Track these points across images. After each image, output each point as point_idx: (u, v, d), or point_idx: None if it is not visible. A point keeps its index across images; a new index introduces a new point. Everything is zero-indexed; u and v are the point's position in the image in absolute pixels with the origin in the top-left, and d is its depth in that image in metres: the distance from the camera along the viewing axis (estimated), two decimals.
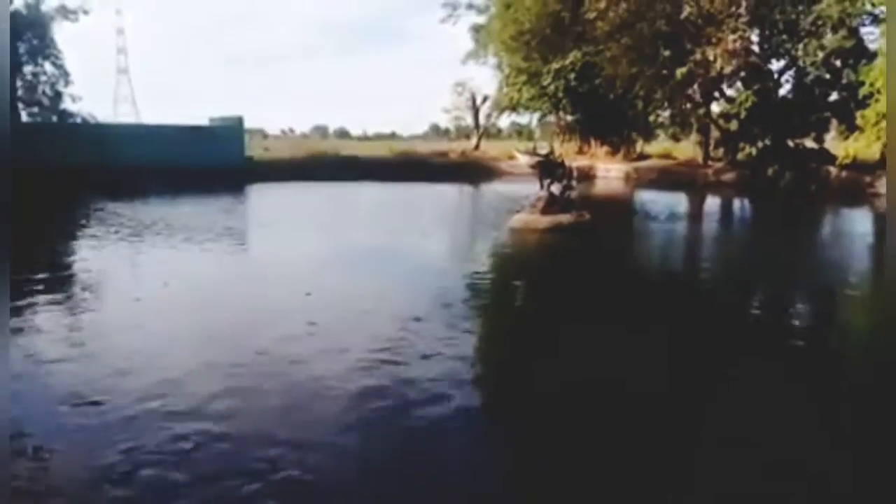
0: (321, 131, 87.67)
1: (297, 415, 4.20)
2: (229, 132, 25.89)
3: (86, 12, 36.14)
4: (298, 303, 7.02)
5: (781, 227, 16.03)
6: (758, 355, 5.63)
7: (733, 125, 25.74)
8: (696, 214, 18.22)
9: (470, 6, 35.52)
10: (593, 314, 6.95)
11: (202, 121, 27.79)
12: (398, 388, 4.61)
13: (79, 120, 30.48)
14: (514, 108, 36.51)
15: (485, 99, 39.62)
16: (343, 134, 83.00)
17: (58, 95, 34.89)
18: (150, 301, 7.14)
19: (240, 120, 26.71)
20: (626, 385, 4.79)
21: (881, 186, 20.38)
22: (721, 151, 27.54)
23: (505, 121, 45.80)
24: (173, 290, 7.69)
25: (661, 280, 9.23)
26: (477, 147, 38.49)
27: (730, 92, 26.65)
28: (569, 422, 4.21)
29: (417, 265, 9.60)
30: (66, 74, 37.78)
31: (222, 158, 23.86)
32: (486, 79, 68.53)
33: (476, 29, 35.38)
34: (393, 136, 67.30)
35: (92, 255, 10.22)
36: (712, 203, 21.30)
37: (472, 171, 29.82)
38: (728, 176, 24.91)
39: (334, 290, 7.77)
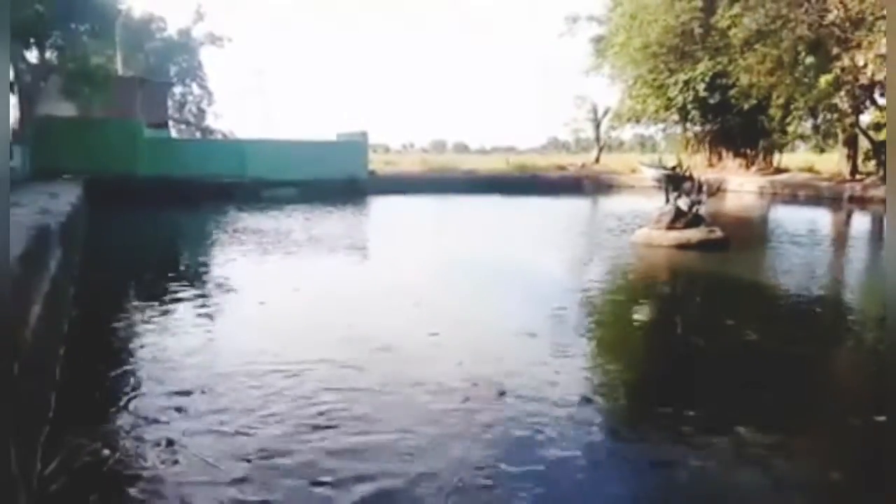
0: (440, 145, 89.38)
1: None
2: (354, 147, 26.91)
3: (230, 40, 39.08)
4: (414, 314, 7.07)
5: None
6: None
7: (885, 136, 23.43)
8: (838, 233, 16.68)
9: (591, 18, 34.98)
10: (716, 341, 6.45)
11: (331, 136, 29.20)
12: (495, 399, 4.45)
13: (219, 136, 32.92)
14: (637, 120, 35.45)
15: (606, 111, 38.76)
16: (462, 148, 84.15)
17: (202, 113, 37.91)
18: (277, 304, 7.47)
19: (364, 135, 27.70)
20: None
21: None
22: (871, 164, 25.16)
23: (628, 133, 44.57)
24: (301, 295, 8.01)
25: (796, 306, 8.45)
26: (597, 160, 37.70)
27: (882, 100, 24.31)
28: None
29: (533, 280, 9.40)
30: (209, 94, 41.00)
31: (347, 172, 24.83)
32: (607, 91, 66.90)
33: (597, 40, 34.75)
34: (511, 149, 67.28)
35: (229, 260, 10.90)
36: (859, 220, 19.46)
37: (592, 185, 29.18)
38: (879, 191, 22.65)
39: (450, 303, 7.75)
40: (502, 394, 4.62)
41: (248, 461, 3.61)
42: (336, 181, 23.74)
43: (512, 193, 24.35)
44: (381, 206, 21.79)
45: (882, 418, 4.39)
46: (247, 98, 67.80)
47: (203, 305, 7.45)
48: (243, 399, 4.50)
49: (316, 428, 4.06)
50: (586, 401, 4.58)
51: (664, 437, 4.11)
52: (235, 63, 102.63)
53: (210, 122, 38.83)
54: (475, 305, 7.64)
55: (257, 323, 6.78)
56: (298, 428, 4.05)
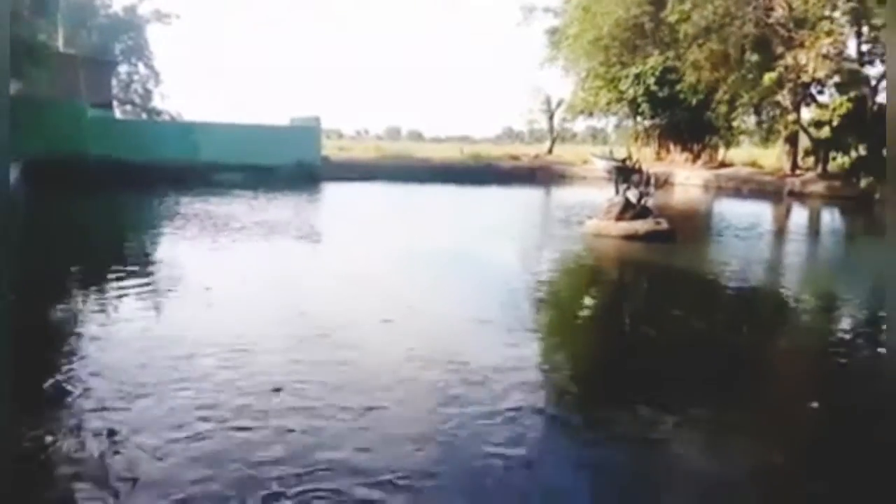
0: (394, 133, 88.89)
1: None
2: (307, 132, 26.52)
3: (178, 17, 37.84)
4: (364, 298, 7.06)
5: (871, 242, 15.02)
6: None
7: (825, 133, 24.38)
8: (780, 227, 17.33)
9: (547, 9, 35.22)
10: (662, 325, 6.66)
11: (284, 121, 28.72)
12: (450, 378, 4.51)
13: (167, 118, 31.97)
14: (590, 112, 35.95)
15: (560, 103, 39.16)
16: (416, 136, 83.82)
17: (148, 93, 36.68)
18: (225, 291, 7.32)
19: (317, 120, 27.33)
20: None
21: None
22: (811, 160, 26.16)
23: (580, 125, 45.14)
24: (251, 282, 7.88)
25: (737, 293, 8.77)
26: (550, 151, 38.09)
27: (822, 98, 25.30)
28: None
29: (486, 269, 9.48)
30: (156, 74, 39.65)
31: (300, 157, 24.48)
32: (562, 82, 67.64)
33: (552, 32, 35.02)
34: (465, 138, 67.37)
35: (173, 247, 10.64)
36: (799, 215, 20.24)
37: (545, 175, 29.50)
38: (817, 186, 23.60)
39: (404, 291, 7.75)
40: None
41: (179, 454, 3.56)
42: (288, 166, 23.41)
43: (466, 182, 24.42)
44: (335, 193, 21.58)
45: (816, 405, 4.62)
46: (196, 79, 65.91)
47: (146, 292, 7.26)
48: (180, 391, 4.42)
49: (247, 425, 4.02)
50: (534, 387, 4.67)
51: (614, 422, 4.23)
52: (184, 42, 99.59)
53: (157, 102, 37.63)
54: (429, 293, 7.67)
55: (202, 310, 6.64)
56: (232, 422, 4.00)
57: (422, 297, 7.41)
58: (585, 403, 4.64)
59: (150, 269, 8.88)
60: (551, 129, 40.61)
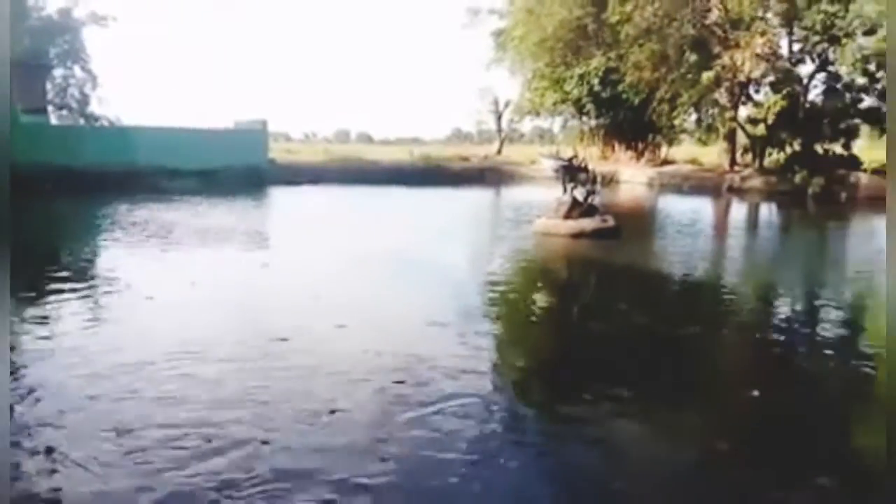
0: (343, 135, 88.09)
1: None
2: (252, 135, 26.07)
3: (115, 19, 36.71)
4: (312, 303, 6.98)
5: (806, 234, 15.72)
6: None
7: (760, 130, 25.33)
8: (720, 222, 17.91)
9: (492, 11, 35.54)
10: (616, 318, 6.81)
11: (228, 124, 28.14)
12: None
13: (105, 122, 30.95)
14: (536, 112, 36.40)
15: (507, 103, 39.53)
16: (366, 138, 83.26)
17: (85, 97, 35.41)
18: (169, 299, 7.13)
19: (263, 123, 26.89)
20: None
21: None
22: (748, 157, 27.12)
23: (528, 125, 45.66)
24: (197, 290, 7.69)
25: (679, 287, 9.04)
26: (500, 151, 38.40)
27: (758, 96, 26.26)
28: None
29: (438, 271, 9.50)
30: (94, 77, 38.30)
31: (246, 161, 24.03)
32: (509, 83, 68.41)
33: (498, 34, 35.36)
34: (415, 140, 67.31)
35: (113, 255, 10.31)
36: (738, 209, 20.94)
37: (494, 176, 29.72)
38: (755, 182, 24.48)
39: (351, 293, 7.71)
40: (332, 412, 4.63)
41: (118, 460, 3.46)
42: (233, 171, 22.91)
43: (416, 184, 24.39)
44: (283, 197, 21.28)
45: (756, 393, 4.79)
46: (136, 82, 64.06)
47: (86, 303, 7.02)
48: (123, 404, 4.30)
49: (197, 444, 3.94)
50: (491, 387, 4.72)
51: (566, 413, 4.31)
52: (123, 45, 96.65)
53: (95, 107, 36.32)
54: (381, 296, 7.63)
55: (145, 319, 6.46)
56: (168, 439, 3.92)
57: (374, 302, 7.38)
58: (532, 393, 4.74)
59: (88, 280, 8.58)
60: (500, 129, 40.98)
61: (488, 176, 29.70)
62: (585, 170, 13.35)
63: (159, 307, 6.90)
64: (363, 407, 4.29)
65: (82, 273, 9.03)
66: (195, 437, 3.78)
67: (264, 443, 3.74)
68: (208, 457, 3.56)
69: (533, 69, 33.36)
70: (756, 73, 24.18)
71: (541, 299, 8.27)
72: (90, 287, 8.01)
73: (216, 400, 4.35)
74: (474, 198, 23.29)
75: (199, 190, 19.78)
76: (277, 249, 11.88)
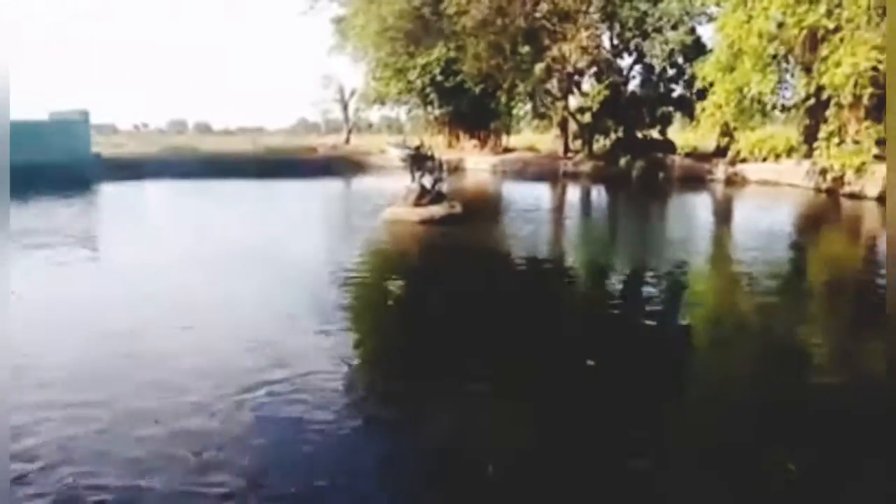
0: (179, 125, 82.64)
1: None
2: (72, 127, 23.83)
3: None
4: (157, 307, 6.63)
5: (632, 211, 17.32)
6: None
7: (588, 118, 27.28)
8: (557, 204, 19.17)
9: None
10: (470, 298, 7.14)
11: (41, 115, 25.37)
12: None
13: None
14: (382, 102, 36.48)
15: (353, 92, 39.22)
16: (204, 128, 78.71)
17: None
18: None
19: (84, 114, 24.64)
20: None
21: (718, 172, 22.84)
22: (579, 143, 29.11)
23: (375, 115, 45.63)
24: (20, 301, 6.97)
25: (528, 264, 9.64)
26: (347, 141, 38.10)
27: (585, 86, 28.24)
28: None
29: (288, 264, 9.34)
30: None
31: (65, 156, 21.89)
32: (353, 71, 67.80)
33: (338, 21, 34.86)
34: (259, 130, 64.74)
35: None
36: (572, 192, 22.49)
37: (343, 166, 29.45)
38: (586, 167, 26.39)
39: (195, 294, 7.40)
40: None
41: None
42: (50, 167, 20.71)
43: (260, 176, 23.54)
44: (111, 195, 19.69)
45: (592, 362, 5.26)
46: None
47: None
48: None
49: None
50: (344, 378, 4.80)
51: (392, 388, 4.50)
52: None
53: None
54: (230, 293, 7.39)
55: None
56: None
57: (220, 301, 7.14)
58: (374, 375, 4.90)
59: None
60: (346, 119, 40.62)
61: (337, 166, 29.36)
62: (432, 158, 13.72)
63: None
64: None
65: None
66: None
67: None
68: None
69: (376, 58, 33.33)
70: (582, 64, 26.01)
71: (389, 287, 8.42)
72: None
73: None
74: (323, 189, 22.97)
75: (10, 189, 17.69)
76: (110, 253, 11.02)
